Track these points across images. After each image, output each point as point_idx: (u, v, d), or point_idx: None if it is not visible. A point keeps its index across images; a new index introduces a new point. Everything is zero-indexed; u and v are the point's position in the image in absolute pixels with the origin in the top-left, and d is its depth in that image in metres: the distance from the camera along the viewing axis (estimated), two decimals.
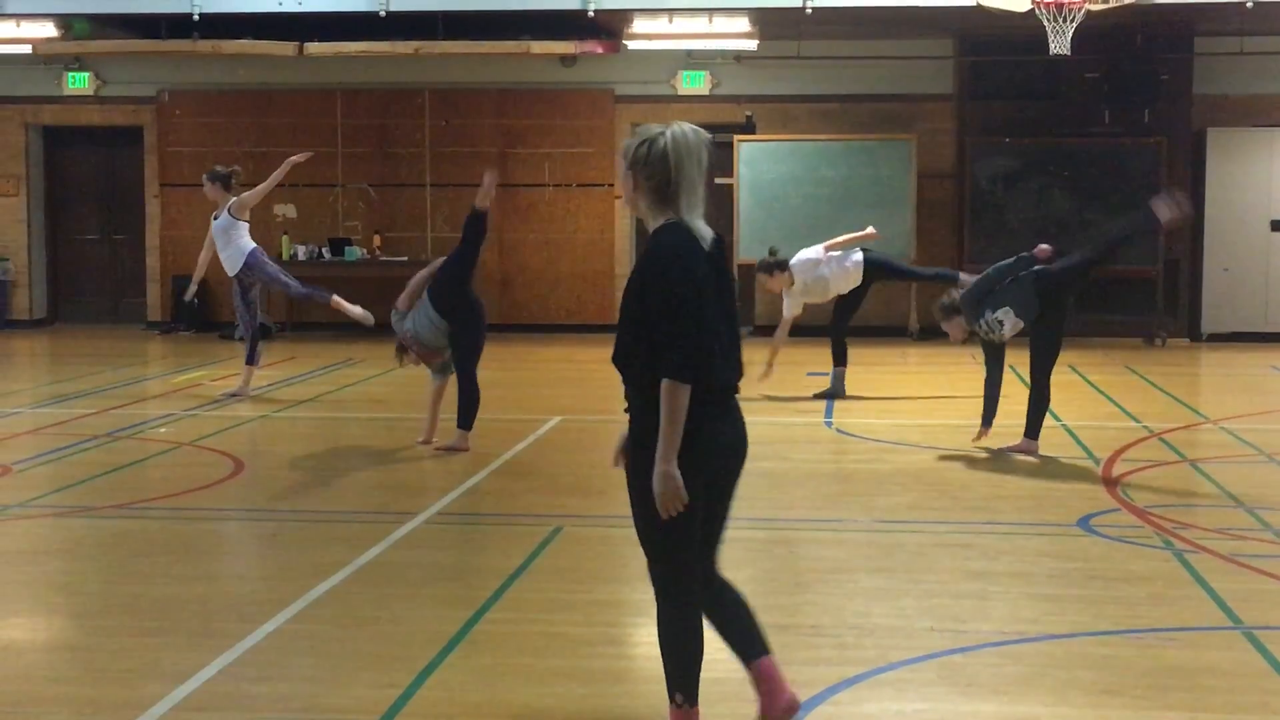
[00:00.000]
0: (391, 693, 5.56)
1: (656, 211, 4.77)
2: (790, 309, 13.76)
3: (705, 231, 4.75)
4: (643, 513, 4.80)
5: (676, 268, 4.64)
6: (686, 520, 4.75)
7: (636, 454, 4.78)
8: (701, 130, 4.81)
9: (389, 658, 6.00)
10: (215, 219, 13.65)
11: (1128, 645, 6.21)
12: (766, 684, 5.03)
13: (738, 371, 4.87)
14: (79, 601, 7.06)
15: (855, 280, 13.70)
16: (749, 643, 5.05)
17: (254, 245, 13.66)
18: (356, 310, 13.40)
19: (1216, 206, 18.89)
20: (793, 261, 13.62)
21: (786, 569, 7.60)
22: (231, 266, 13.60)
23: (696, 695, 4.95)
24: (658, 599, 4.92)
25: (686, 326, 4.60)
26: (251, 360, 13.68)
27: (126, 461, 10.55)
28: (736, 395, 4.90)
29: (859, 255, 13.70)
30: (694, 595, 4.88)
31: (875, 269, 13.76)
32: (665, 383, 4.59)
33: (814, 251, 13.62)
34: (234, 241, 13.55)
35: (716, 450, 4.77)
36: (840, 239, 13.76)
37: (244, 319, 13.70)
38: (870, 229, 13.93)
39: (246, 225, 13.69)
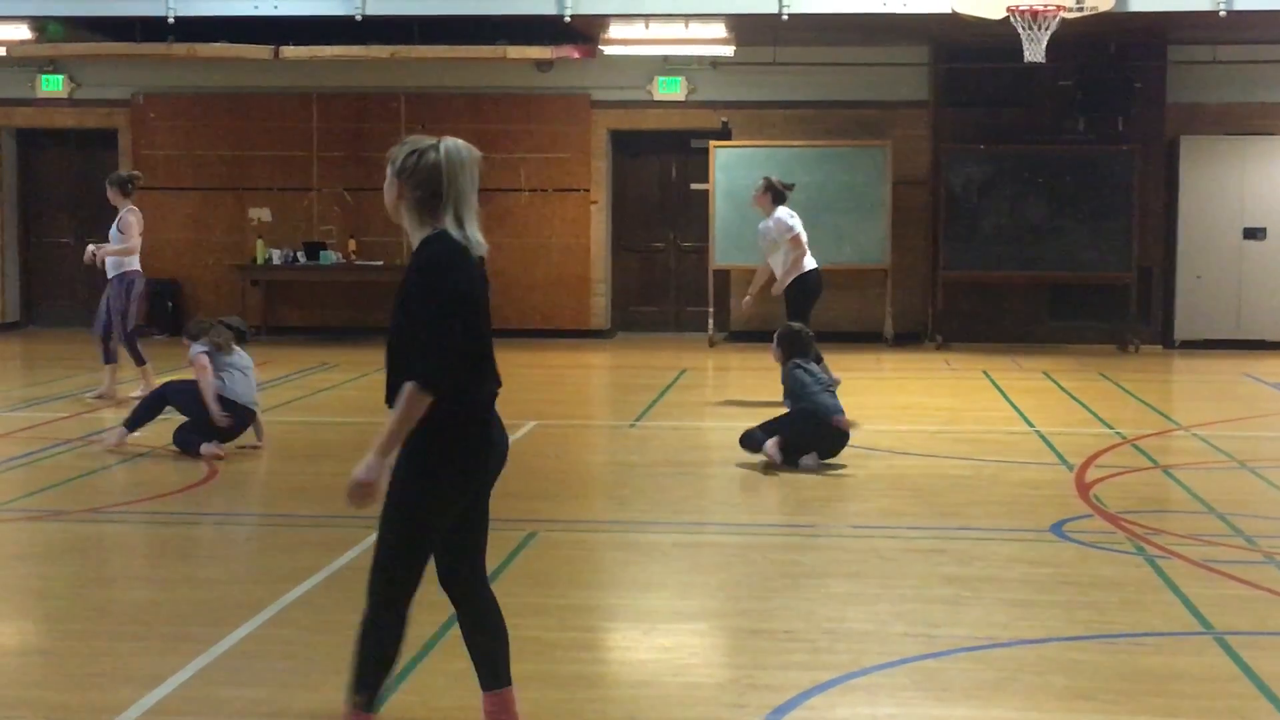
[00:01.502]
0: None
1: (419, 222, 4.74)
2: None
3: (481, 242, 4.77)
4: (391, 512, 4.76)
5: (441, 279, 4.64)
6: (426, 521, 4.76)
7: (401, 455, 4.73)
8: (473, 147, 4.85)
9: None
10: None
11: (1099, 650, 6.23)
12: (500, 716, 5.03)
13: (498, 380, 4.90)
14: (51, 605, 7.03)
15: (779, 269, 13.50)
16: (493, 671, 5.03)
17: (134, 270, 13.67)
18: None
19: (1189, 214, 18.98)
20: (784, 212, 13.50)
21: (759, 573, 7.61)
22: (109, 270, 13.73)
23: (376, 702, 4.89)
24: (371, 600, 4.83)
25: (442, 339, 4.61)
26: (110, 359, 13.67)
27: (99, 465, 10.51)
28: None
29: (806, 269, 13.52)
30: (408, 603, 4.82)
31: (800, 296, 13.41)
32: (410, 386, 4.58)
33: (789, 224, 13.37)
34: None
35: (490, 459, 4.83)
36: (804, 255, 13.55)
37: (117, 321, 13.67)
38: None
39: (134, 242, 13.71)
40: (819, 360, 11.22)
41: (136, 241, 13.70)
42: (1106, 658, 6.12)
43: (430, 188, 4.70)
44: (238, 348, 10.99)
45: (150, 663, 5.96)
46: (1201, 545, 8.11)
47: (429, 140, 4.78)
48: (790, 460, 10.29)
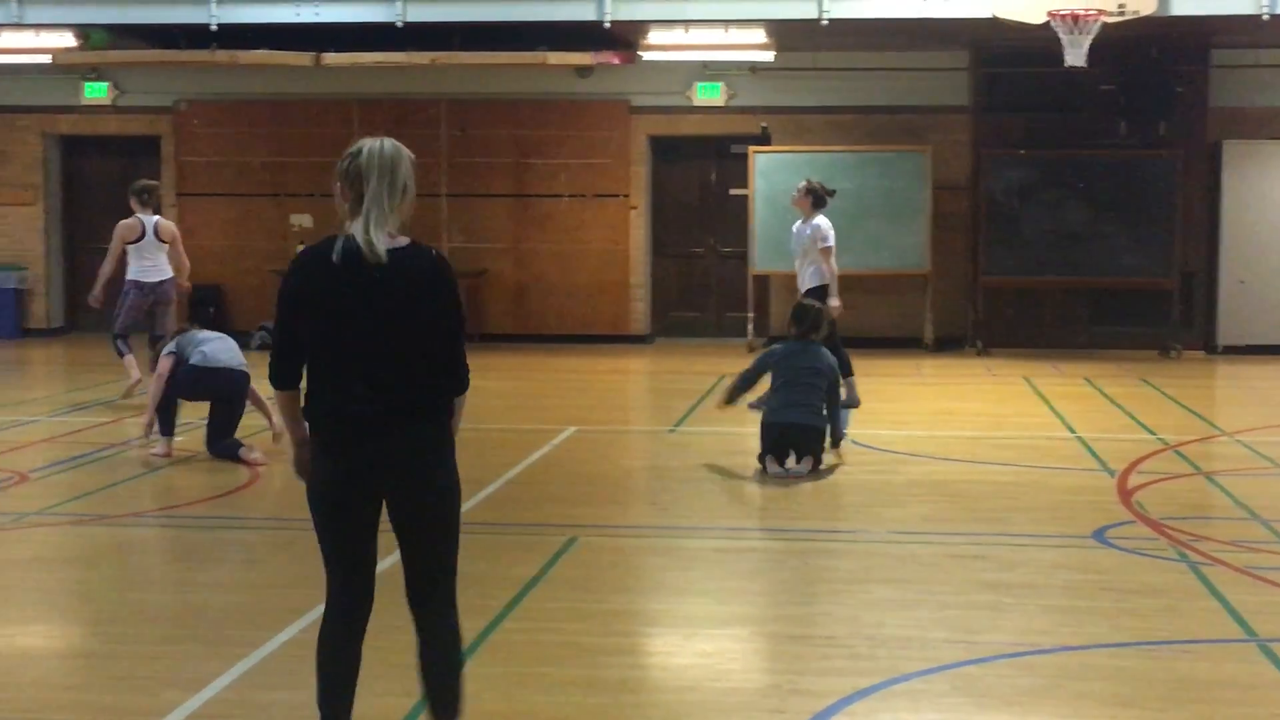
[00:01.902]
0: (407, 701, 5.58)
1: (346, 223, 4.67)
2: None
3: (375, 245, 4.56)
4: None
5: (285, 281, 4.72)
6: (321, 533, 4.81)
7: None
8: (401, 146, 4.70)
9: (404, 666, 5.99)
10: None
11: (1142, 657, 6.21)
12: None
13: (378, 402, 4.60)
14: (95, 609, 7.09)
15: (804, 274, 13.47)
16: (440, 703, 4.84)
17: (129, 279, 13.95)
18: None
19: (1232, 219, 18.84)
20: (825, 222, 13.43)
21: (800, 579, 7.61)
22: None
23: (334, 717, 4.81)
24: None
25: (276, 337, 4.78)
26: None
27: (142, 470, 10.58)
28: (400, 424, 4.63)
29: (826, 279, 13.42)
30: (335, 612, 4.82)
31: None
32: None
33: (826, 236, 13.33)
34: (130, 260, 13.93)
35: (358, 470, 4.67)
36: (833, 271, 13.43)
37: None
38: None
39: (129, 249, 13.92)
40: (833, 345, 11.18)
41: (111, 259, 14.08)
42: (1149, 665, 6.10)
43: (356, 190, 4.63)
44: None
45: (193, 666, 6.00)
46: (1244, 552, 8.06)
47: (364, 142, 4.68)
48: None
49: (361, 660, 4.88)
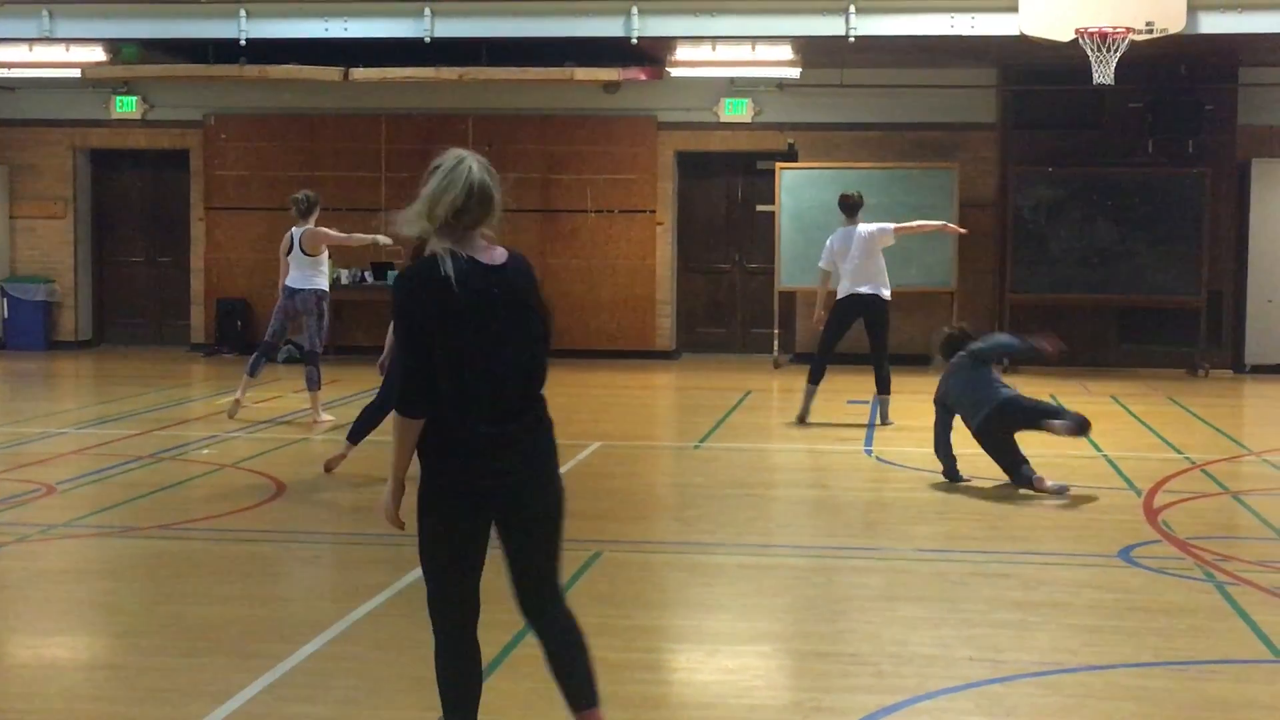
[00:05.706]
0: (431, 715, 5.57)
1: (434, 241, 4.79)
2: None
3: (490, 260, 4.77)
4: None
5: (401, 306, 4.67)
6: (433, 550, 4.78)
7: None
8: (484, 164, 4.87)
9: (429, 680, 5.98)
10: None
11: (1168, 677, 6.18)
12: None
13: (495, 411, 4.63)
14: (121, 621, 7.11)
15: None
16: (574, 692, 4.88)
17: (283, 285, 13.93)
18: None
19: (1260, 237, 18.78)
20: (870, 227, 14.14)
21: (825, 596, 7.60)
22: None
23: None
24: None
25: (404, 365, 4.68)
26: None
27: (169, 482, 10.62)
28: (520, 432, 4.67)
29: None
30: (446, 627, 4.85)
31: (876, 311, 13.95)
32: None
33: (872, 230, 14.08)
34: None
35: (487, 484, 4.68)
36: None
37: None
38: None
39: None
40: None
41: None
42: (1175, 685, 6.07)
43: (453, 206, 4.87)
44: None
45: (219, 678, 6.02)
46: (1272, 572, 8.03)
47: (450, 156, 4.95)
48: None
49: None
